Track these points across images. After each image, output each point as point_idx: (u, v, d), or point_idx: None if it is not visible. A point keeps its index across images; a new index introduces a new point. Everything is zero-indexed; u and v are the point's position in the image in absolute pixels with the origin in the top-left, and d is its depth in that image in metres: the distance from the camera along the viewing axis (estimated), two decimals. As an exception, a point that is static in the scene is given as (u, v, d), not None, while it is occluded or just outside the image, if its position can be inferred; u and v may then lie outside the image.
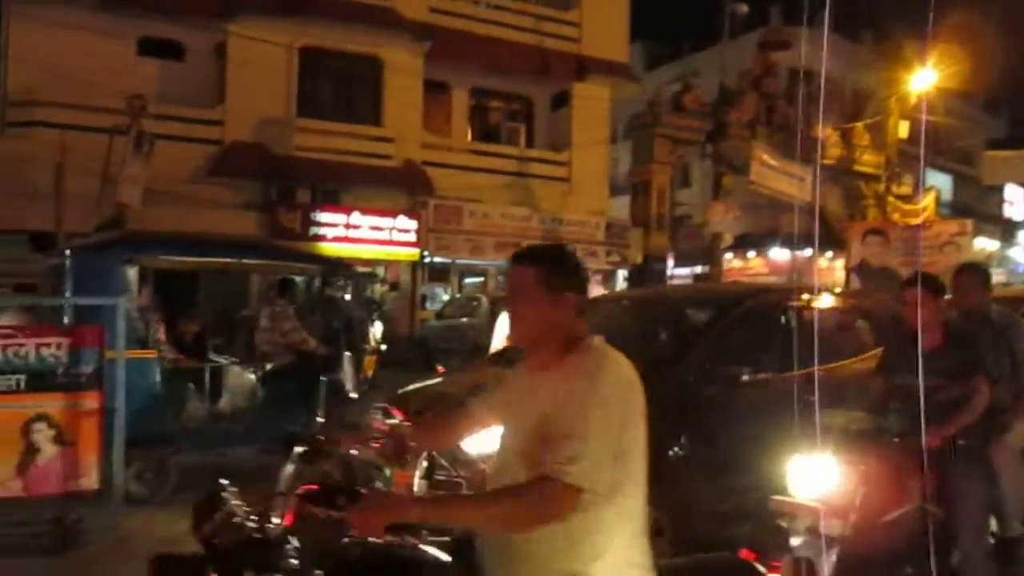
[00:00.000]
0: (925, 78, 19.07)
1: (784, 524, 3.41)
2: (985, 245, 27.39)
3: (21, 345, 4.90)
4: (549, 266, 1.99)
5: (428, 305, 17.91)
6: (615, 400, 1.86)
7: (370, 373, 7.99)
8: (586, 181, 18.61)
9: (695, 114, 20.92)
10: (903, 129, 21.75)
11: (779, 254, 22.29)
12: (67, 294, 5.86)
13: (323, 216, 15.45)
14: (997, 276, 25.76)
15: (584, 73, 18.75)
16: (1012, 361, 4.29)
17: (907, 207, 21.52)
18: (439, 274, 18.64)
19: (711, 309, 5.66)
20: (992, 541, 4.01)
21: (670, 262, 20.46)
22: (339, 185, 16.20)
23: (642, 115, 20.63)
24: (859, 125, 23.91)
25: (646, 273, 19.32)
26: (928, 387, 3.58)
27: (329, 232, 15.28)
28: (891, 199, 22.13)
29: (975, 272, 4.62)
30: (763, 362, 4.97)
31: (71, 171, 12.13)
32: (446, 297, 18.30)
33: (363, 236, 15.55)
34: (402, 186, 16.58)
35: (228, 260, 7.66)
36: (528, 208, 17.66)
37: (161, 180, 12.95)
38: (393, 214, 16.10)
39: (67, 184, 12.16)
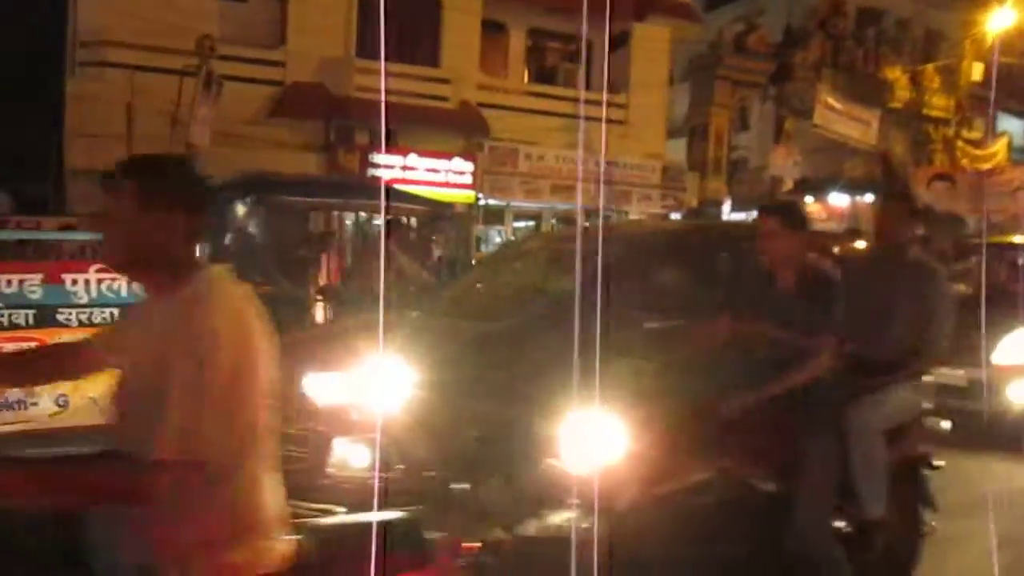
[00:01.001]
0: (1003, 17, 18.35)
1: (553, 494, 2.94)
2: (1058, 193, 26.49)
3: (114, 280, 5.06)
4: (147, 179, 1.74)
5: (482, 248, 18.12)
6: (224, 343, 1.61)
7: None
8: (643, 124, 18.43)
9: (758, 56, 20.50)
10: (977, 71, 21.04)
11: (838, 200, 21.91)
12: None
13: (380, 158, 15.65)
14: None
15: (644, 13, 18.42)
16: (918, 312, 3.76)
17: (977, 152, 20.94)
18: (493, 216, 18.78)
19: (631, 246, 4.98)
20: (845, 525, 3.56)
21: (726, 206, 20.29)
22: (397, 126, 16.37)
23: (703, 56, 20.29)
24: (930, 67, 23.13)
25: (704, 217, 19.21)
26: (769, 337, 3.39)
27: (387, 174, 15.50)
28: (960, 144, 21.51)
29: (897, 201, 4.28)
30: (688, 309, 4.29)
31: (141, 112, 12.50)
32: (499, 240, 18.47)
33: (419, 178, 15.73)
34: (458, 128, 16.67)
35: (349, 201, 7.93)
36: (585, 151, 17.61)
37: (224, 121, 13.28)
38: (449, 156, 16.22)
39: (137, 125, 12.54)
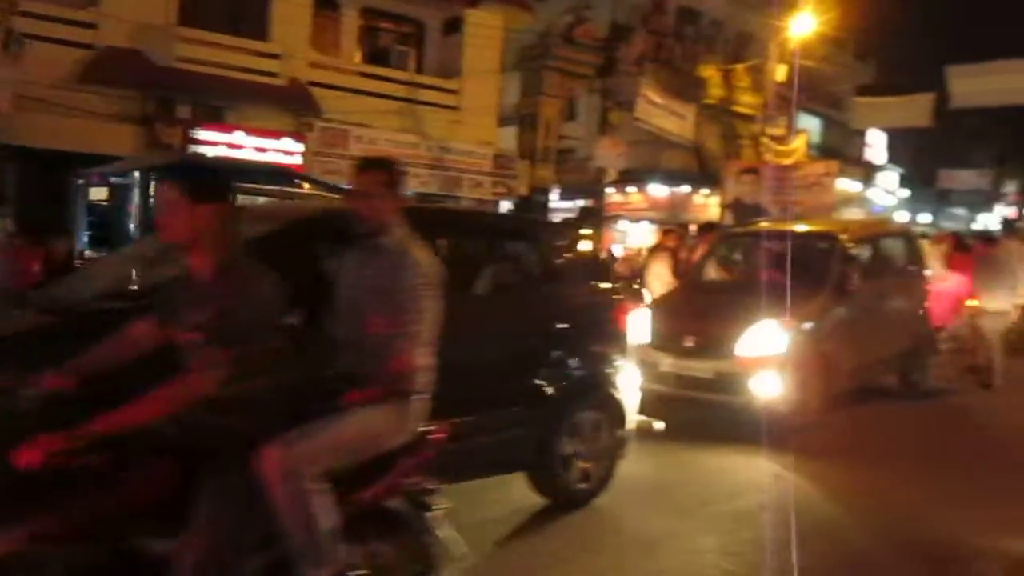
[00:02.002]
0: (803, 24, 19.80)
1: None
2: (848, 186, 29.09)
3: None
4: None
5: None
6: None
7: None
8: (475, 110, 18.63)
9: (586, 48, 21.14)
10: (781, 72, 22.58)
11: (658, 190, 23.08)
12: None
13: (204, 134, 14.97)
14: (854, 214, 27.53)
15: (477, -1, 18.59)
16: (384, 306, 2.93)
17: (779, 148, 22.48)
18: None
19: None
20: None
21: (554, 195, 20.88)
22: (222, 101, 15.70)
23: (534, 46, 20.68)
24: (740, 67, 24.71)
25: (531, 205, 19.69)
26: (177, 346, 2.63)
27: (211, 151, 14.85)
28: (765, 140, 23.11)
29: (375, 167, 3.15)
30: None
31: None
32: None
33: (247, 157, 15.17)
34: (287, 106, 16.20)
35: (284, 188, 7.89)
36: (416, 135, 17.61)
37: (28, 84, 12.35)
38: (278, 135, 15.75)
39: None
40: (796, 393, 7.25)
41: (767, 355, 7.29)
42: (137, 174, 10.32)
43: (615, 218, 20.67)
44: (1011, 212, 39.40)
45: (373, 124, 16.97)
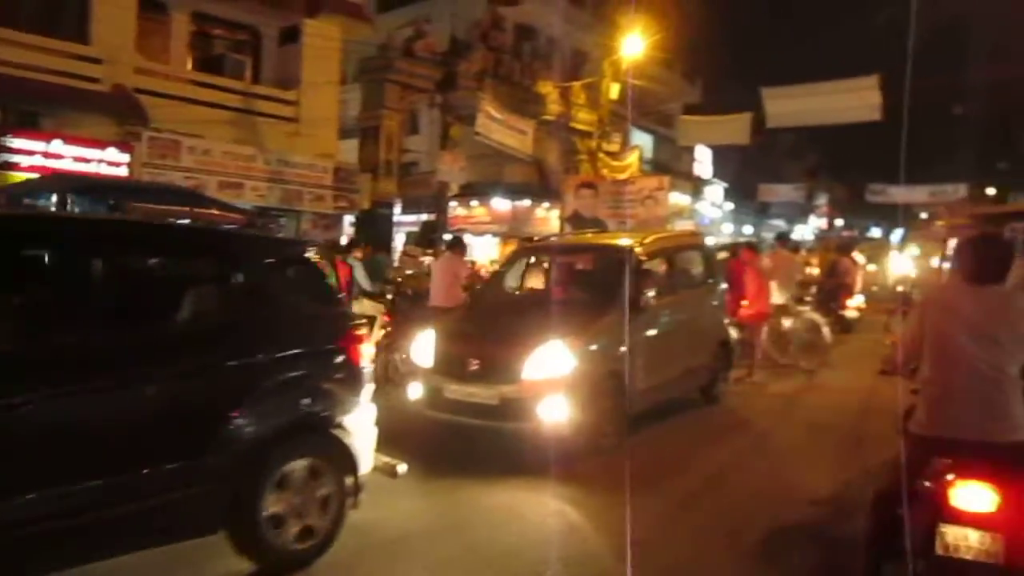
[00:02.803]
0: (634, 45, 20.73)
1: None
2: (679, 199, 30.64)
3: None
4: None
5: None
6: None
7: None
8: (315, 122, 18.25)
9: (426, 62, 21.22)
10: (614, 91, 23.51)
11: (500, 204, 23.48)
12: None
13: (17, 142, 13.90)
14: (686, 226, 28.99)
15: (316, 9, 18.24)
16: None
17: (615, 163, 23.39)
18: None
19: None
20: None
21: (397, 208, 20.79)
22: (38, 107, 14.63)
23: (374, 59, 20.55)
24: (576, 84, 25.54)
25: (375, 218, 19.50)
26: None
27: (24, 160, 13.81)
28: (601, 155, 23.99)
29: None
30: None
31: None
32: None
33: (66, 167, 14.20)
34: (112, 113, 15.29)
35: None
36: (253, 147, 17.08)
37: None
38: (102, 144, 14.84)
39: None
40: (586, 417, 6.79)
41: (554, 378, 6.75)
42: (55, 196, 9.06)
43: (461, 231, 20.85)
44: (823, 223, 42.77)
45: (207, 135, 16.31)
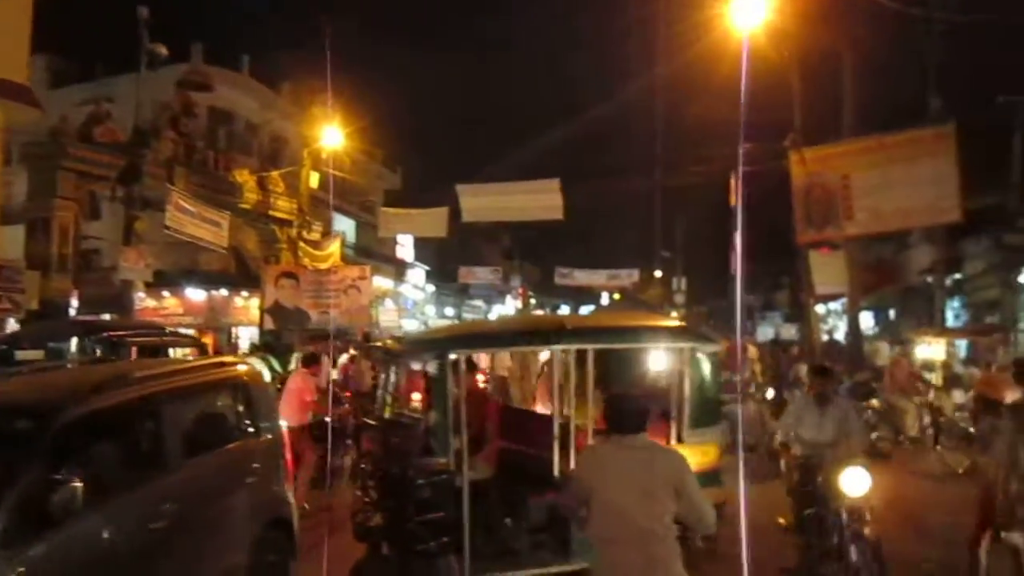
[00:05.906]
0: (333, 136, 20.89)
1: None
2: (382, 283, 30.96)
3: None
4: None
5: None
6: None
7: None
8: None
9: (107, 147, 19.76)
10: (314, 180, 23.50)
11: (195, 294, 22.25)
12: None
13: None
14: (389, 313, 29.34)
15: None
16: None
17: (316, 252, 23.20)
18: None
19: None
20: None
21: (74, 308, 18.84)
22: None
23: (43, 144, 18.72)
24: (275, 173, 25.19)
25: (57, 316, 17.41)
26: None
27: None
28: (302, 244, 23.69)
29: None
30: None
31: None
32: None
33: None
34: None
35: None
36: None
37: None
38: None
39: None
40: None
41: None
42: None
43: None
44: (518, 303, 45.41)
45: None
